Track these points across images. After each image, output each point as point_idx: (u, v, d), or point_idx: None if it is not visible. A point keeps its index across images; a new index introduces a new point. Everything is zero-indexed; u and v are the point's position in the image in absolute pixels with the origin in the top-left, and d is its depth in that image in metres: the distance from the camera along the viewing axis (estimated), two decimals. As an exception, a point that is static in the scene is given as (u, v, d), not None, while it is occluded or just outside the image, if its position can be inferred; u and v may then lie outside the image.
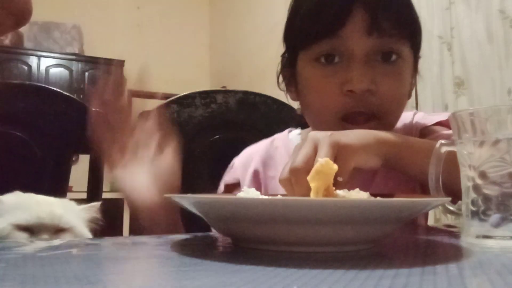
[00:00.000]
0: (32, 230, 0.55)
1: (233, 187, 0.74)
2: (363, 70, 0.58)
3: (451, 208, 0.44)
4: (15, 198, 0.58)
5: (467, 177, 0.40)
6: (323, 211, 0.32)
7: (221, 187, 0.76)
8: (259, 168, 0.73)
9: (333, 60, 0.60)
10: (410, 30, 0.62)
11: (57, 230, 0.56)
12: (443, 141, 0.44)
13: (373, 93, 0.59)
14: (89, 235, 0.60)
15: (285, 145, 0.74)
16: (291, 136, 0.77)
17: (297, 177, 0.45)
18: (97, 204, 0.65)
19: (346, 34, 0.58)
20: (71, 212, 0.60)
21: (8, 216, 0.55)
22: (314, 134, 0.49)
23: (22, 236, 0.54)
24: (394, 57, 0.61)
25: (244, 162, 0.75)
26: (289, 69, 0.68)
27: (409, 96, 0.68)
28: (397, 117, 0.65)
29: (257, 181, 0.72)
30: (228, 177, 0.75)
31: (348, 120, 0.60)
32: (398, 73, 0.62)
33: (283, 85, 0.71)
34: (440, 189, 0.44)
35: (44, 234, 0.55)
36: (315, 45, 0.61)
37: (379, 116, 0.61)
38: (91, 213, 0.63)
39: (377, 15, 0.57)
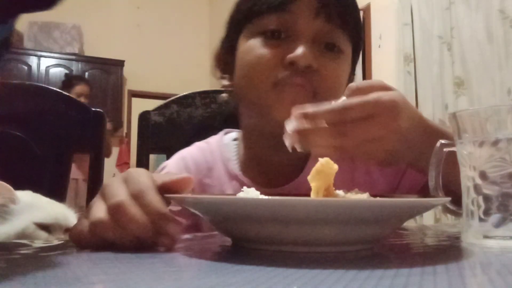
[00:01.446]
0: (49, 229, 0.58)
1: None
2: (308, 47, 0.58)
3: (451, 208, 0.44)
4: (30, 197, 0.61)
5: (467, 177, 0.40)
6: (323, 211, 0.32)
7: None
8: (194, 174, 0.67)
9: (279, 36, 0.60)
10: (353, 27, 0.64)
11: (66, 230, 0.60)
12: (443, 141, 0.44)
13: (314, 71, 0.59)
14: None
15: (221, 150, 0.71)
16: (226, 140, 0.73)
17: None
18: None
19: (295, 10, 0.59)
20: (73, 214, 0.64)
21: (29, 214, 0.58)
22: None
23: (43, 235, 0.57)
24: (336, 49, 0.62)
25: (178, 167, 0.69)
26: (227, 54, 0.67)
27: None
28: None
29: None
30: None
31: (284, 87, 0.59)
32: (339, 62, 0.63)
33: (218, 74, 0.70)
34: (440, 189, 0.44)
35: (60, 233, 0.59)
36: (263, 19, 0.61)
37: (319, 93, 0.60)
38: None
39: None
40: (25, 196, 0.61)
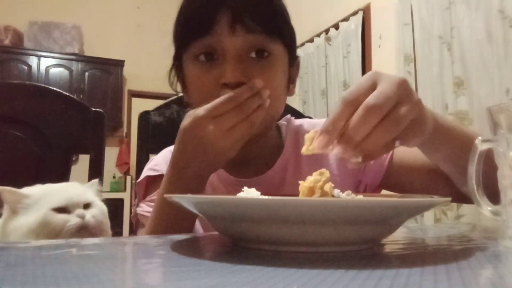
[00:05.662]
0: (67, 209, 0.61)
1: (155, 178, 0.76)
2: (235, 65, 0.62)
3: (490, 209, 0.41)
4: (39, 189, 0.64)
5: (504, 176, 0.38)
6: (323, 211, 0.32)
7: (142, 179, 0.78)
8: None
9: (212, 58, 0.65)
10: (276, 26, 0.66)
11: (85, 205, 0.63)
12: (481, 138, 0.41)
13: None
14: (105, 207, 0.67)
15: None
16: None
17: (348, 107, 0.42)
18: (96, 180, 0.71)
19: (215, 32, 0.63)
20: (86, 189, 0.68)
21: (44, 203, 0.61)
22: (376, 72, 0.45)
23: (63, 217, 0.60)
24: (266, 54, 0.65)
25: (165, 158, 0.77)
26: (179, 72, 0.73)
27: (291, 92, 0.73)
28: (277, 109, 0.69)
29: None
30: (150, 171, 0.77)
31: None
32: (271, 66, 0.65)
33: (175, 86, 0.76)
34: (481, 188, 0.41)
35: (78, 210, 0.62)
36: (192, 45, 0.65)
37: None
38: (94, 187, 0.70)
39: (240, 14, 0.62)
40: (36, 189, 0.64)
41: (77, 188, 0.66)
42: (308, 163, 0.73)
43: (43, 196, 0.62)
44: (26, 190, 0.63)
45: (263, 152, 0.73)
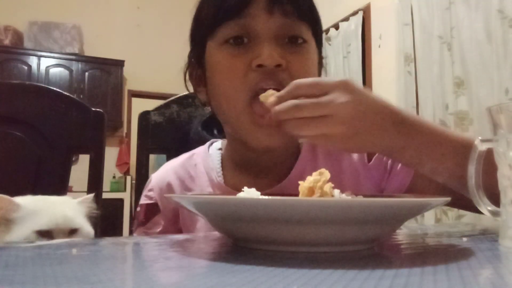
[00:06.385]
0: (52, 234, 0.58)
1: (152, 207, 0.71)
2: (273, 46, 0.59)
3: (490, 209, 0.40)
4: (32, 202, 0.61)
5: (504, 176, 0.38)
6: (323, 211, 0.32)
7: (138, 208, 0.73)
8: (176, 186, 0.70)
9: (242, 42, 0.61)
10: (311, 16, 0.65)
11: (70, 232, 0.60)
12: (481, 138, 0.41)
13: (283, 69, 0.59)
14: (93, 232, 0.63)
15: (205, 161, 0.71)
16: (211, 151, 0.74)
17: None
18: (90, 196, 0.67)
19: (250, 13, 0.60)
20: (77, 211, 0.63)
21: (30, 222, 0.58)
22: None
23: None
24: (300, 40, 0.63)
25: (160, 182, 0.72)
26: (197, 68, 0.69)
27: None
28: None
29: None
30: (145, 199, 0.72)
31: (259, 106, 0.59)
32: (306, 53, 0.64)
33: (189, 85, 0.72)
34: (481, 188, 0.40)
35: (63, 237, 0.58)
36: (223, 28, 0.62)
37: None
38: (87, 205, 0.66)
39: None
40: (27, 202, 0.60)
41: (67, 210, 0.62)
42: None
43: (32, 213, 0.59)
44: (20, 200, 0.59)
45: (282, 159, 0.68)
